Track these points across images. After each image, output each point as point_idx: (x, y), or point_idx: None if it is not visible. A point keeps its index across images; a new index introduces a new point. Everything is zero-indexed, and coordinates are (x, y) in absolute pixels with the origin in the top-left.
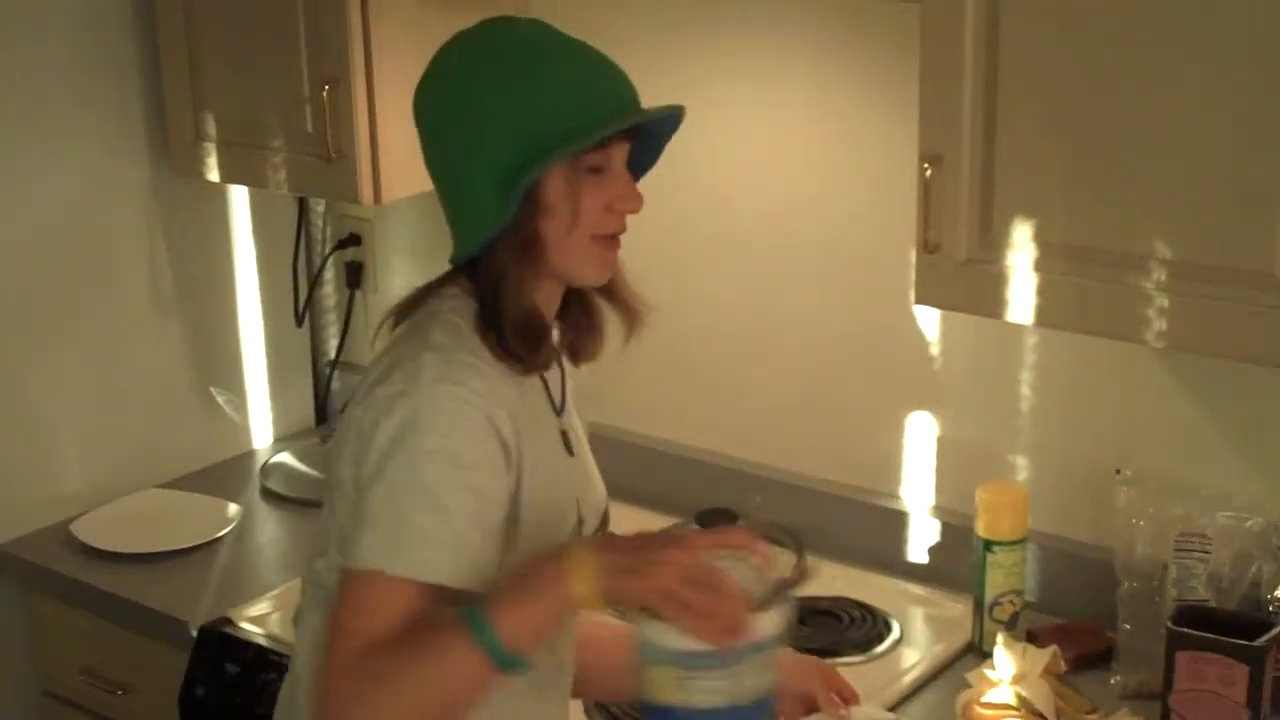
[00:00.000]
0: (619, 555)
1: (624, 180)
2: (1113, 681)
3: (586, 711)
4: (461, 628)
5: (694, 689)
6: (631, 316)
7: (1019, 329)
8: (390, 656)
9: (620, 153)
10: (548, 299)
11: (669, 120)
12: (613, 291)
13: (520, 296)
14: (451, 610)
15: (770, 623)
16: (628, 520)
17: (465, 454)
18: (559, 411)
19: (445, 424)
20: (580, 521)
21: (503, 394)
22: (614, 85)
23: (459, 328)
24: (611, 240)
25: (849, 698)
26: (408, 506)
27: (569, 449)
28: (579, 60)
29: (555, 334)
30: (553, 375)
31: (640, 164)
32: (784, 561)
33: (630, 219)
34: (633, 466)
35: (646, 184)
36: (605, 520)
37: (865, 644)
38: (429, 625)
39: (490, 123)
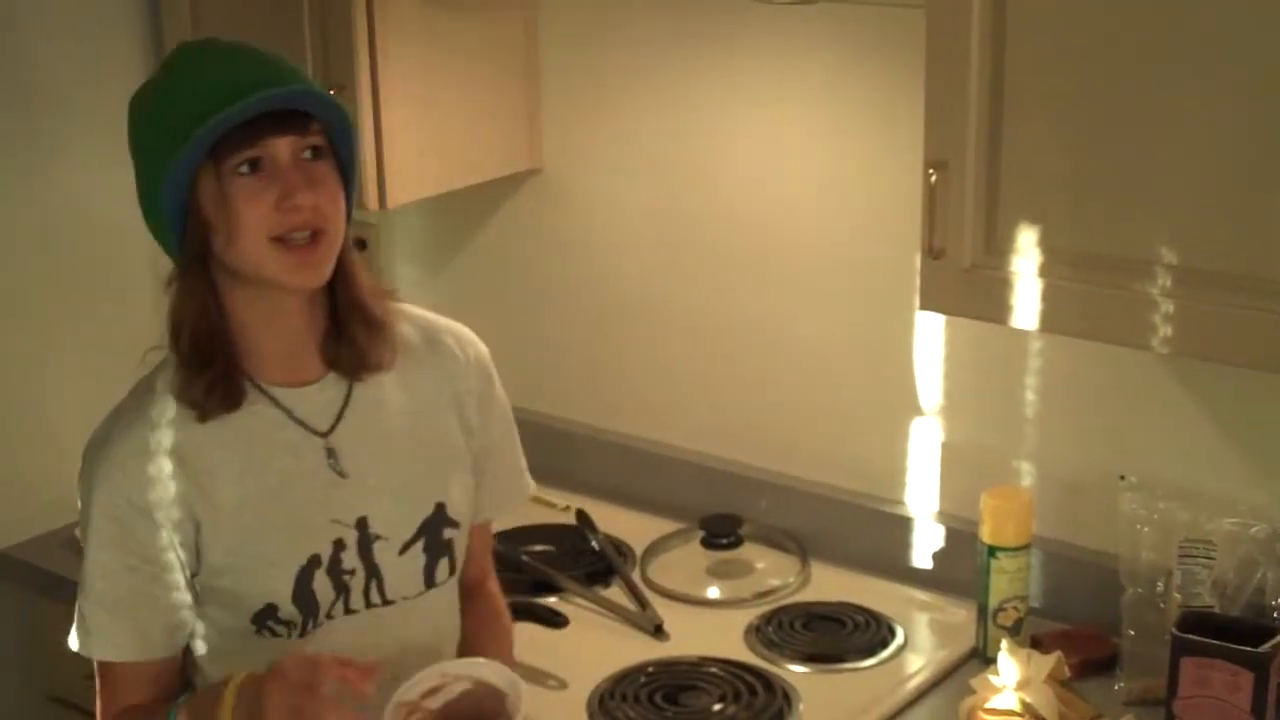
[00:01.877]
0: (257, 693)
1: (290, 174)
2: (1117, 688)
3: (589, 712)
4: None
5: None
6: (367, 325)
7: (1023, 335)
8: None
9: (284, 145)
10: (272, 312)
11: (330, 105)
12: (342, 298)
13: (200, 321)
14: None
15: None
16: (630, 525)
17: (93, 535)
18: (324, 432)
19: (86, 511)
20: (339, 544)
21: (165, 450)
22: (236, 74)
23: (153, 378)
24: (282, 242)
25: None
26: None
27: (339, 470)
28: (211, 58)
29: (321, 347)
30: (318, 393)
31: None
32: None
33: (638, 226)
34: (637, 471)
35: (653, 191)
36: (432, 529)
37: (869, 650)
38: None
39: (145, 133)
